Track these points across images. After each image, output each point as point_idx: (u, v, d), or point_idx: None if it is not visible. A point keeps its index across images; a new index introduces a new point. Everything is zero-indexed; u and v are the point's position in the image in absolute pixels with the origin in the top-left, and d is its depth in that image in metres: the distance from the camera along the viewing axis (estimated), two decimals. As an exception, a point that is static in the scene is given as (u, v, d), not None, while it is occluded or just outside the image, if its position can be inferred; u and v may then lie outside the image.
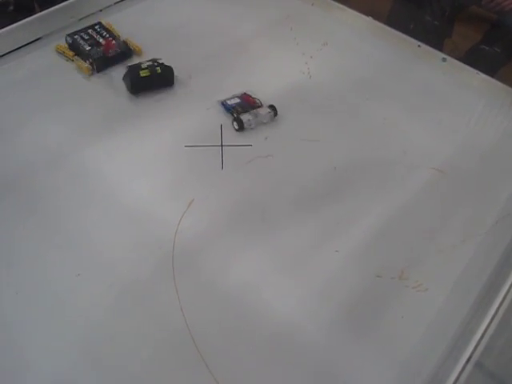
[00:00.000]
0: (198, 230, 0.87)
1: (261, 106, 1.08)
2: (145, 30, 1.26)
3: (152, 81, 1.09)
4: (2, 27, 1.18)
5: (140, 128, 1.04)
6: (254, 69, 1.19)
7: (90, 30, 1.21)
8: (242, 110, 1.07)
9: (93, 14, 1.30)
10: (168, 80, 1.12)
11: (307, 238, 0.88)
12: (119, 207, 0.91)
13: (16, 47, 1.21)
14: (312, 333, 0.76)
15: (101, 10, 1.32)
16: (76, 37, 1.19)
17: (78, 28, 1.21)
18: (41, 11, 1.24)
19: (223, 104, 1.09)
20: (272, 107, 1.07)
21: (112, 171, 0.96)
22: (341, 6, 1.38)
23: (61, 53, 1.19)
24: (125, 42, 1.19)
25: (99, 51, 1.15)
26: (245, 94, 1.11)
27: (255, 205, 0.91)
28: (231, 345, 0.74)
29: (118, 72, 1.13)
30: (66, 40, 1.19)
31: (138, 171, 0.96)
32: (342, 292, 0.81)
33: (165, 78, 1.12)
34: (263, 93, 1.11)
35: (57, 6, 1.24)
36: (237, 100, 1.09)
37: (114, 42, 1.17)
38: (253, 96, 1.11)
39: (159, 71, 1.10)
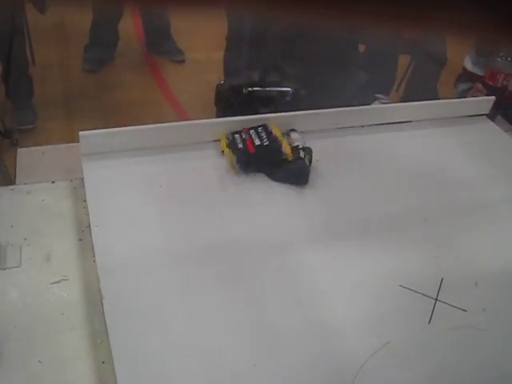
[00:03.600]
0: (383, 377, 0.82)
1: None
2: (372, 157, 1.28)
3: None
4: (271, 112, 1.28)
5: (363, 254, 1.03)
6: (494, 232, 1.14)
7: (251, 131, 1.23)
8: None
9: (353, 127, 1.35)
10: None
11: None
12: (314, 317, 0.90)
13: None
14: None
15: (362, 126, 1.36)
16: (236, 135, 1.22)
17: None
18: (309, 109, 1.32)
19: None
20: None
21: (321, 279, 0.97)
22: None
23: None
24: (280, 144, 1.19)
25: (245, 151, 1.17)
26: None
27: (453, 378, 0.84)
28: None
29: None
30: (227, 137, 1.22)
31: (345, 291, 0.95)
32: None
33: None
34: (495, 259, 1.06)
35: (327, 110, 1.31)
36: None
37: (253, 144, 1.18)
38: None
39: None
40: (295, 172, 1.16)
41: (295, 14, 0.20)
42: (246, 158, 1.16)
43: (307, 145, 1.21)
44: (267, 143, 1.19)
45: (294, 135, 1.24)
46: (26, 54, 2.57)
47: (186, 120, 1.25)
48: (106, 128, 1.18)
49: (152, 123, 1.22)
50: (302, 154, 1.17)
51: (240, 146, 1.19)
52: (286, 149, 1.18)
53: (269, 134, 1.21)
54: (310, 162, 1.18)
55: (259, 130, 1.23)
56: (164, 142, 1.21)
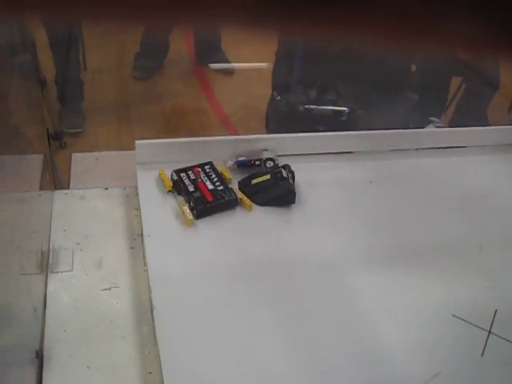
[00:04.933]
0: (433, 408, 0.81)
1: None
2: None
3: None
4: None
5: (415, 281, 1.02)
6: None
7: (199, 169, 1.13)
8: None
9: (407, 149, 1.34)
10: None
11: None
12: (364, 342, 0.88)
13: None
14: None
15: (416, 149, 1.34)
16: (182, 174, 1.12)
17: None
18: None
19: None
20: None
21: (372, 305, 0.95)
22: None
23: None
24: (234, 191, 1.11)
25: (201, 198, 1.08)
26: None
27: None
28: None
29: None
30: (172, 177, 1.13)
31: (396, 318, 0.94)
32: None
33: None
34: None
35: (380, 131, 1.30)
36: None
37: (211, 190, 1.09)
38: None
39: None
40: (281, 194, 1.11)
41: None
42: (203, 206, 1.07)
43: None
44: (221, 188, 1.10)
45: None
46: (79, 58, 2.62)
47: (233, 134, 1.24)
48: (158, 137, 1.19)
49: (199, 134, 1.23)
50: (284, 173, 1.12)
51: (191, 189, 1.09)
52: (243, 197, 1.11)
53: (218, 174, 1.13)
54: (293, 179, 1.13)
55: (207, 169, 1.14)
56: (217, 156, 1.21)
